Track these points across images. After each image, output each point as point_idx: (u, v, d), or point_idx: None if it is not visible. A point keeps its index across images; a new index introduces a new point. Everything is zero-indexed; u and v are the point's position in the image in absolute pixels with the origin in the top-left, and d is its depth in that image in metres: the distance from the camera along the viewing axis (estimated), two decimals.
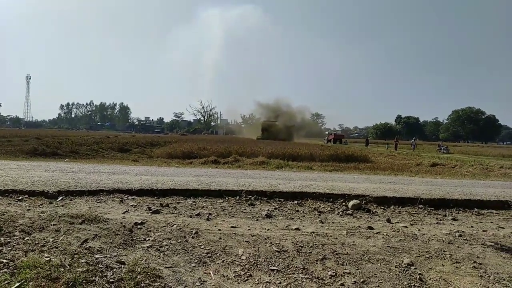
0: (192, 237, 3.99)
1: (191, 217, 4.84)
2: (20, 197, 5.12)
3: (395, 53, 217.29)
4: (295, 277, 3.21)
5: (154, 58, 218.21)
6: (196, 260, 3.42)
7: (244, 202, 5.92)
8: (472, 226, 5.25)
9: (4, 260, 2.96)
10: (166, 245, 3.69)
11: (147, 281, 2.92)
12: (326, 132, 70.19)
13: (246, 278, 3.16)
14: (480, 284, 3.28)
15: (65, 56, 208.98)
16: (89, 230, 3.79)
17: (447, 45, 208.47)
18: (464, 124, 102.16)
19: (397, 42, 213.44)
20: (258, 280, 3.13)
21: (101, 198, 5.51)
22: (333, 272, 3.33)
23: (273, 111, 72.04)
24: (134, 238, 3.79)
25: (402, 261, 3.67)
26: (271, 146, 22.87)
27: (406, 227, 4.97)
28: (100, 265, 3.07)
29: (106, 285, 2.80)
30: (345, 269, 3.42)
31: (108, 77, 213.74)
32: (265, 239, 4.09)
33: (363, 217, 5.40)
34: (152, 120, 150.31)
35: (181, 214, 4.93)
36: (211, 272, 3.21)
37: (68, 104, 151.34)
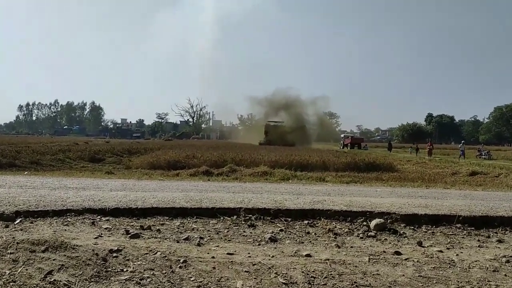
0: (180, 267, 3.96)
1: (178, 242, 4.82)
2: None
3: (423, 40, 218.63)
4: None
5: (131, 49, 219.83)
6: None
7: (243, 222, 5.90)
8: None
9: None
10: (148, 277, 3.67)
11: None
12: (342, 135, 70.18)
13: None
14: None
15: (23, 48, 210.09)
16: (54, 259, 3.77)
17: (489, 30, 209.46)
18: (510, 124, 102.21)
19: (426, 28, 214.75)
20: None
21: (69, 219, 5.49)
22: None
23: (277, 106, 71.58)
24: (109, 269, 3.77)
25: None
26: (275, 153, 22.89)
27: (441, 251, 4.95)
28: None
29: None
30: None
31: (76, 72, 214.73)
32: (269, 268, 4.07)
33: (389, 240, 5.38)
34: (130, 122, 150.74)
35: (166, 239, 4.91)
36: None
37: (28, 105, 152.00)
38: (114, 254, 4.11)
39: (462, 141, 37.94)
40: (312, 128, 68.65)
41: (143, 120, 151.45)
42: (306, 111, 71.98)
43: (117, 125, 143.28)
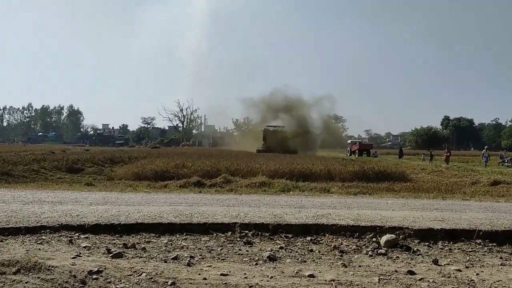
0: None
1: (166, 261, 4.81)
2: None
3: (440, 36, 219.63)
4: None
5: (114, 47, 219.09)
6: None
7: (239, 239, 5.89)
8: None
9: None
10: None
11: None
12: (349, 141, 70.30)
13: None
14: None
15: None
16: (26, 282, 3.75)
17: None
18: None
19: (442, 23, 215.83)
20: None
21: (43, 237, 5.48)
22: None
23: (276, 109, 71.47)
24: None
25: None
26: (274, 161, 22.88)
27: (459, 270, 4.95)
28: None
29: None
30: None
31: (53, 72, 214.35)
32: None
33: (401, 258, 5.38)
34: (113, 128, 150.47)
35: (152, 258, 4.90)
36: None
37: None
38: (94, 276, 4.09)
39: (486, 147, 37.82)
40: (316, 133, 68.22)
41: (127, 126, 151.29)
42: (309, 113, 71.84)
43: (98, 131, 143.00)
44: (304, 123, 67.05)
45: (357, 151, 59.77)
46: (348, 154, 60.65)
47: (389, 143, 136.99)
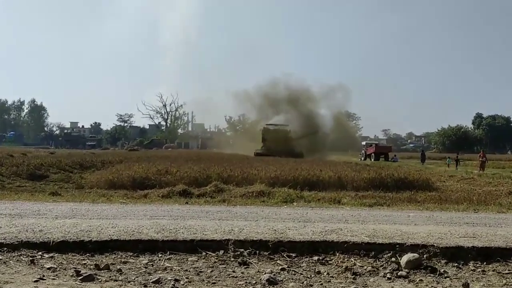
0: None
1: (146, 286, 4.79)
2: None
3: (472, 18, 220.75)
4: None
5: (84, 32, 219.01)
6: None
7: (232, 259, 5.88)
8: None
9: None
10: None
11: None
12: (364, 143, 70.31)
13: None
14: None
15: None
16: None
17: None
18: None
19: (476, 3, 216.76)
20: None
21: (0, 257, 5.45)
22: None
23: (277, 102, 70.72)
24: None
25: None
26: (275, 166, 22.89)
27: None
28: None
29: None
30: None
31: (11, 62, 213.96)
32: None
33: (425, 281, 5.38)
34: (83, 127, 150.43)
35: (129, 282, 4.89)
36: None
37: None
38: None
39: None
40: (325, 133, 67.35)
41: (99, 124, 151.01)
42: (318, 108, 71.05)
43: (65, 131, 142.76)
44: (312, 120, 66.52)
45: (373, 154, 59.88)
46: (362, 158, 60.80)
47: (411, 145, 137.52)
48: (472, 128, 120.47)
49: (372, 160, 56.23)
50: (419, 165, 41.93)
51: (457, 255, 6.30)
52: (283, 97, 71.56)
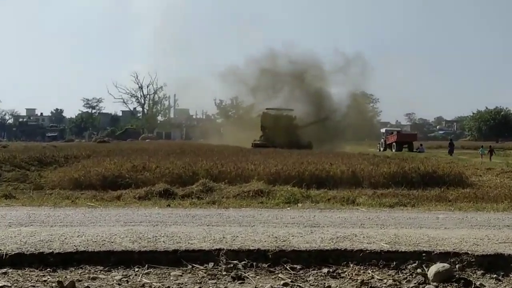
0: None
1: None
2: None
3: None
4: None
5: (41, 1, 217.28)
6: None
7: (224, 273, 5.88)
8: None
9: None
10: None
11: None
12: (383, 130, 70.18)
13: None
14: None
15: None
16: None
17: None
18: None
19: None
20: None
21: None
22: None
23: (277, 81, 68.98)
24: None
25: None
26: (276, 160, 22.86)
27: None
28: None
29: None
30: None
31: None
32: None
33: None
34: (41, 114, 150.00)
35: None
36: None
37: None
38: None
39: None
40: (337, 119, 65.57)
41: (61, 111, 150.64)
42: (329, 87, 69.67)
43: (20, 120, 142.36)
44: (322, 103, 65.69)
45: (394, 144, 59.93)
46: (381, 149, 60.84)
47: (441, 132, 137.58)
48: None
49: (394, 150, 56.26)
50: (449, 156, 41.94)
51: (496, 264, 6.30)
52: (285, 74, 70.27)
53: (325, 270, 6.11)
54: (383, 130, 71.07)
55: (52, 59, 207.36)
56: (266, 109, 61.77)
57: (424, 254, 6.43)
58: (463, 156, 41.79)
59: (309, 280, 5.82)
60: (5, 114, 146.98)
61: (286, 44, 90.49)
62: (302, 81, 68.45)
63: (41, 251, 6.14)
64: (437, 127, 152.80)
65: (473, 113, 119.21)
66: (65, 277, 5.57)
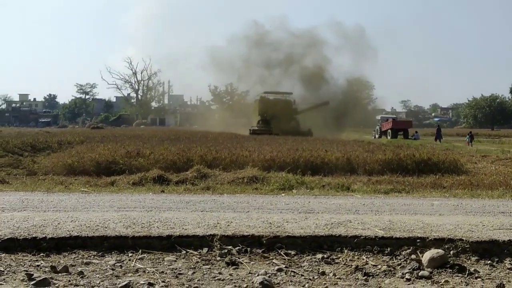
0: None
1: None
2: None
3: None
4: None
5: None
6: None
7: (219, 259, 5.90)
8: None
9: None
10: None
11: None
12: (378, 117, 70.19)
13: None
14: None
15: None
16: None
17: None
18: None
19: None
20: None
21: None
22: None
23: (272, 62, 67.37)
24: None
25: None
26: (270, 146, 22.94)
27: None
28: None
29: None
30: None
31: None
32: None
33: (452, 283, 5.43)
34: (35, 100, 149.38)
35: (93, 287, 4.90)
36: None
37: None
38: None
39: None
40: (334, 102, 63.63)
41: (55, 97, 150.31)
42: (328, 69, 68.26)
43: (13, 105, 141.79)
44: (320, 85, 64.39)
45: (389, 131, 59.95)
46: (376, 136, 60.88)
47: (436, 119, 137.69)
48: (509, 98, 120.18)
49: (389, 137, 56.31)
50: (446, 144, 42.01)
51: (491, 251, 6.34)
52: (280, 54, 69.14)
53: (319, 256, 6.14)
54: (378, 117, 70.94)
55: (45, 43, 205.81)
56: (264, 93, 60.81)
57: (418, 240, 6.46)
58: (446, 144, 41.78)
59: (304, 266, 5.84)
60: None
61: (282, 21, 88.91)
62: (299, 62, 67.54)
63: (34, 236, 6.15)
64: (433, 114, 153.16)
65: (469, 100, 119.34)
66: (59, 262, 5.57)
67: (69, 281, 5.03)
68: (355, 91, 76.70)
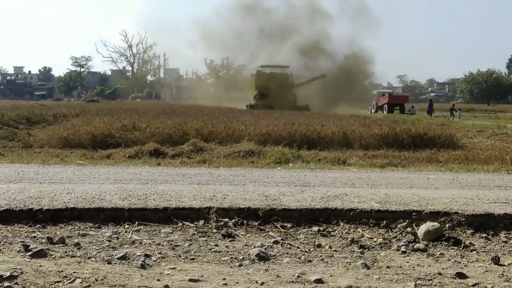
0: None
1: (110, 262, 4.82)
2: None
3: None
4: None
5: None
6: None
7: (215, 231, 5.92)
8: None
9: None
10: None
11: None
12: (375, 92, 69.99)
13: None
14: None
15: None
16: None
17: None
18: None
19: None
20: None
21: None
22: None
23: (268, 32, 66.15)
24: None
25: None
26: (267, 120, 22.90)
27: None
28: None
29: None
30: None
31: None
32: None
33: (447, 255, 5.46)
34: (30, 72, 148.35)
35: (89, 258, 4.91)
36: None
37: None
38: (6, 284, 4.08)
39: None
40: (332, 76, 62.38)
41: (50, 69, 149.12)
42: (325, 39, 67.05)
43: (8, 78, 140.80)
44: (319, 57, 63.51)
45: (385, 105, 59.96)
46: (372, 111, 60.89)
47: (432, 94, 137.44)
48: (506, 73, 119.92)
49: (385, 112, 56.34)
50: (442, 118, 42.16)
51: (486, 224, 6.38)
52: (275, 25, 68.06)
53: (315, 228, 6.17)
54: (374, 92, 70.76)
55: (40, 14, 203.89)
56: (260, 66, 59.64)
57: (414, 214, 6.49)
58: (438, 117, 41.99)
59: (300, 238, 5.86)
60: None
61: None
62: (293, 32, 66.53)
63: (30, 207, 6.16)
64: (429, 89, 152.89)
65: (465, 76, 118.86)
66: (55, 233, 5.59)
67: (66, 252, 5.05)
68: (352, 66, 75.68)
